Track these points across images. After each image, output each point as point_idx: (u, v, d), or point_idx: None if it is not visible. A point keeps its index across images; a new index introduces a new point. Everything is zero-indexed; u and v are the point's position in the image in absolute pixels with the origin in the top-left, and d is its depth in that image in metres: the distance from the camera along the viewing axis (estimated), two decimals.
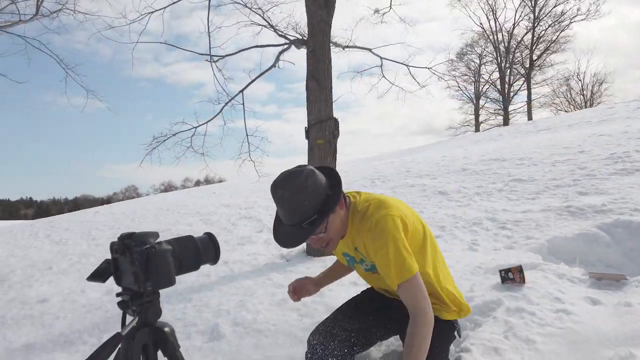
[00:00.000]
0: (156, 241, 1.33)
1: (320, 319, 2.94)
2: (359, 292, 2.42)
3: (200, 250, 1.41)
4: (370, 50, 6.53)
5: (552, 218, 4.98)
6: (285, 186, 1.73)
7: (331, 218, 1.79)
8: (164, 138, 7.22)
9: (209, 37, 6.30)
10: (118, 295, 1.28)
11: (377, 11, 7.29)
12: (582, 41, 42.72)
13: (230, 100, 6.80)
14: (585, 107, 33.56)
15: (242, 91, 6.87)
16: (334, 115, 5.20)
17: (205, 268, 4.76)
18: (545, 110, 35.24)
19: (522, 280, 3.20)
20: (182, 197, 11.99)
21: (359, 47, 6.55)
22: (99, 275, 1.30)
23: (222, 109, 6.95)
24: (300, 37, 6.41)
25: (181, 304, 3.54)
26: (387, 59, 6.68)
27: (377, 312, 2.16)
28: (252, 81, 6.74)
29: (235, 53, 6.43)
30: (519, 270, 3.23)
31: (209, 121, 7.14)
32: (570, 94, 34.89)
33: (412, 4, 7.50)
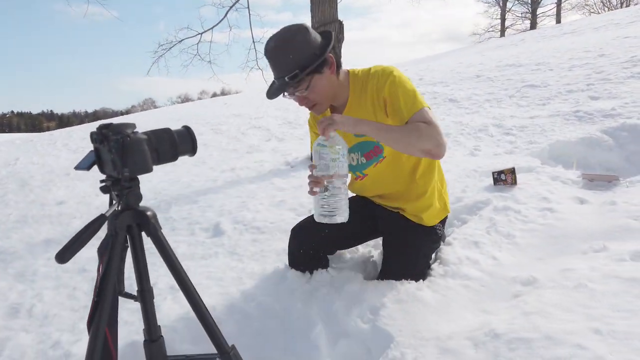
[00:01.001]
0: (133, 131, 1.40)
1: None
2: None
3: (176, 142, 1.49)
4: None
5: (559, 123, 4.93)
6: (275, 38, 1.75)
7: (316, 78, 1.77)
8: (169, 45, 7.18)
9: None
10: (102, 182, 1.39)
11: None
12: None
13: (234, 4, 6.60)
14: (621, 8, 31.33)
15: None
16: (339, 18, 5.03)
17: (212, 174, 4.95)
18: (577, 13, 33.05)
19: (514, 182, 3.27)
20: (194, 108, 12.05)
21: None
22: (83, 163, 1.40)
23: (226, 14, 6.78)
24: None
25: (187, 205, 3.74)
26: None
27: (364, 212, 2.26)
28: None
29: None
30: (511, 171, 3.29)
31: (213, 27, 7.00)
32: None
33: None
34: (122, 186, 1.34)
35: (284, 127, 7.42)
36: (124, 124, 1.37)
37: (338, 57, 1.88)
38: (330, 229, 2.20)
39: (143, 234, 1.42)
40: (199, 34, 6.92)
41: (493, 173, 3.34)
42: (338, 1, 4.93)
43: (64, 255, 1.27)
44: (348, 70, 1.95)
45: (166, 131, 1.48)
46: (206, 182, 4.59)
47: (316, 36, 1.79)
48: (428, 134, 1.67)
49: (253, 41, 6.81)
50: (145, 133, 1.42)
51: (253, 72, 7.14)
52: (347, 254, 2.59)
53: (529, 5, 32.60)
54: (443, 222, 2.27)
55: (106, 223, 1.35)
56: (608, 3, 32.69)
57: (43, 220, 3.85)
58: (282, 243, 2.69)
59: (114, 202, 1.37)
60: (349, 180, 2.06)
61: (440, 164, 2.19)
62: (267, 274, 2.37)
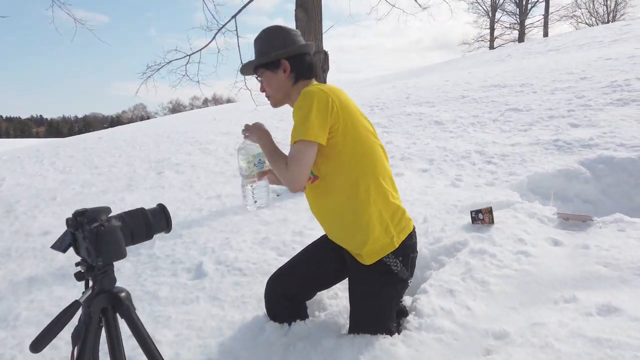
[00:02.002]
0: (108, 216, 1.45)
1: None
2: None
3: (151, 222, 1.54)
4: None
5: (539, 152, 5.04)
6: (263, 29, 2.01)
7: (267, 74, 1.98)
8: (157, 67, 7.20)
9: None
10: (77, 264, 1.43)
11: None
12: None
13: (221, 28, 6.66)
14: (608, 20, 31.90)
15: (234, 17, 6.70)
16: (324, 48, 5.11)
17: (198, 201, 4.98)
18: (565, 23, 33.55)
19: (491, 221, 3.35)
20: (183, 122, 12.06)
21: None
22: (59, 244, 1.44)
23: (214, 37, 6.83)
24: None
25: (172, 240, 3.77)
26: None
27: (328, 257, 2.28)
28: (244, 6, 6.54)
29: None
30: (489, 211, 3.36)
31: (201, 49, 7.05)
32: (593, 3, 32.97)
33: None
34: (96, 273, 1.38)
35: None
36: (99, 209, 1.41)
37: (307, 72, 2.00)
38: (308, 268, 2.26)
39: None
40: (187, 55, 6.96)
41: (471, 212, 3.42)
42: (323, 31, 5.01)
43: (38, 345, 1.31)
44: (310, 84, 2.01)
45: (141, 212, 1.53)
46: (192, 211, 4.62)
47: (287, 40, 1.95)
48: (282, 171, 1.83)
49: (241, 62, 6.85)
50: (119, 217, 1.47)
51: (241, 92, 7.12)
52: (327, 299, 2.64)
53: (517, 17, 33.07)
54: (398, 255, 2.00)
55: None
56: (595, 14, 33.24)
57: (27, 253, 3.86)
58: (263, 287, 2.73)
59: (89, 287, 1.40)
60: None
61: (386, 191, 1.96)
62: (246, 323, 2.42)
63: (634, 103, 5.79)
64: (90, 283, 1.43)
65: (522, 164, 4.81)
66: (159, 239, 3.87)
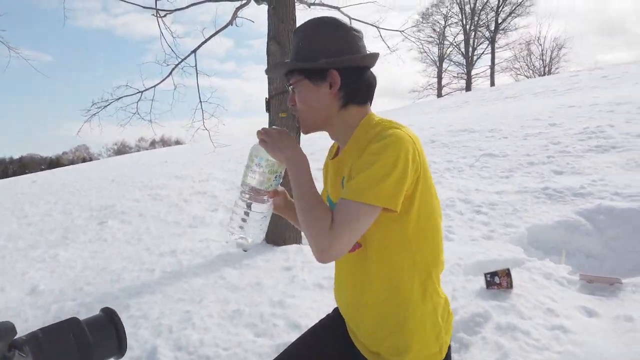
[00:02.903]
0: (9, 341, 0.78)
1: (280, 339, 2.49)
2: (323, 305, 1.87)
3: (89, 343, 0.87)
4: (338, 8, 5.90)
5: (529, 202, 4.67)
6: (311, 19, 1.32)
7: (305, 84, 1.29)
8: (105, 103, 6.43)
9: None
10: None
11: None
12: (543, 5, 42.79)
13: (180, 62, 6.06)
14: (544, 72, 33.92)
15: (194, 52, 6.13)
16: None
17: (149, 258, 4.21)
18: (506, 74, 35.41)
19: (510, 285, 2.84)
20: (130, 164, 11.15)
21: (326, 5, 5.90)
22: None
23: (171, 72, 6.21)
24: None
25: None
26: (356, 20, 6.07)
27: (336, 346, 1.62)
28: (205, 41, 6.00)
29: (186, 7, 5.65)
30: (507, 273, 2.86)
31: (156, 85, 6.38)
32: (530, 58, 35.12)
33: None
34: None
35: (232, 193, 6.79)
36: None
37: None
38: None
39: None
40: (139, 92, 6.27)
41: (485, 275, 2.90)
42: None
43: None
44: (369, 114, 1.37)
45: (71, 327, 0.86)
46: (140, 272, 3.84)
47: (345, 43, 1.26)
48: (319, 231, 1.15)
49: (200, 101, 6.25)
50: (31, 341, 0.80)
51: (198, 132, 6.48)
52: None
53: (464, 67, 34.59)
54: None
55: None
56: (532, 66, 35.36)
57: None
58: None
59: None
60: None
61: (439, 281, 1.35)
62: None
63: (614, 150, 5.63)
64: None
65: (515, 214, 4.41)
66: (100, 308, 3.08)
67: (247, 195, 1.29)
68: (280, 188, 1.40)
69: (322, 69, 1.24)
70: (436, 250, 1.31)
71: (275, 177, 1.29)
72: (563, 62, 34.61)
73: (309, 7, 6.16)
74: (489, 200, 4.89)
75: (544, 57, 35.14)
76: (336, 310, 1.56)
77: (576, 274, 3.14)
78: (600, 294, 2.84)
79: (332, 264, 1.42)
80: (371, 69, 1.30)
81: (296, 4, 4.85)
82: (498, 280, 2.85)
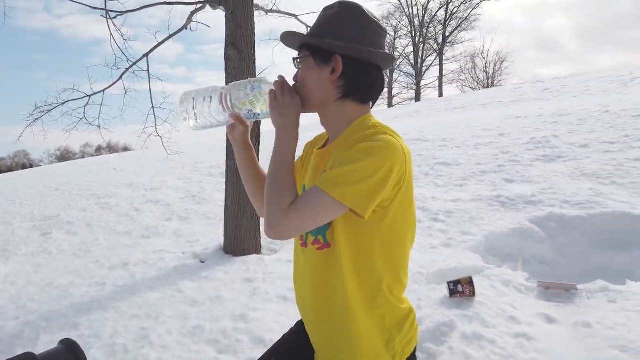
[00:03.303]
0: None
1: (244, 355, 2.39)
2: (287, 318, 1.70)
3: None
4: (296, 16, 5.86)
5: (484, 209, 4.79)
6: (337, 5, 1.23)
7: (309, 64, 1.23)
8: (49, 108, 6.05)
9: None
10: None
11: None
12: (486, 21, 44.85)
13: (131, 66, 5.80)
14: (488, 84, 35.41)
15: (146, 55, 5.90)
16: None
17: (99, 272, 3.97)
18: (453, 85, 36.75)
19: (472, 294, 2.87)
20: (76, 171, 10.60)
21: (284, 13, 5.84)
22: None
23: (121, 76, 5.92)
24: None
25: (63, 331, 2.79)
26: (280, 12, 6.01)
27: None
28: (158, 45, 5.79)
29: (137, 10, 5.43)
30: (469, 282, 2.89)
31: (105, 89, 6.08)
32: (475, 70, 36.60)
33: None
34: None
35: (187, 202, 6.57)
36: None
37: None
38: None
39: None
40: (87, 96, 5.95)
41: (449, 284, 2.92)
42: (257, 74, 4.44)
43: None
44: (368, 115, 1.26)
45: None
46: (90, 287, 3.61)
47: (363, 33, 1.20)
48: (277, 206, 1.12)
49: (152, 106, 6.00)
50: None
51: (151, 139, 6.23)
52: None
53: (414, 77, 35.53)
54: None
55: None
56: (477, 79, 36.87)
57: None
58: None
59: None
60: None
61: (404, 288, 1.30)
62: None
63: (560, 159, 5.90)
64: None
65: (472, 222, 4.51)
66: (44, 328, 2.86)
67: (221, 94, 1.25)
68: (246, 124, 1.34)
69: (328, 51, 1.18)
70: (397, 266, 1.26)
71: (249, 112, 1.25)
72: (505, 74, 36.33)
73: (266, 14, 6.09)
74: (445, 208, 4.98)
75: (488, 69, 36.74)
76: (299, 323, 1.49)
77: (533, 281, 3.23)
78: (557, 300, 2.93)
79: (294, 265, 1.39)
80: (383, 71, 1.26)
81: (254, 10, 4.77)
82: (461, 289, 2.88)
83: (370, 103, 1.27)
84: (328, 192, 1.08)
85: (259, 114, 1.25)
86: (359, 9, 1.21)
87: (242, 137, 1.37)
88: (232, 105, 1.25)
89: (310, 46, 1.22)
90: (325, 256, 1.25)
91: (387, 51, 1.23)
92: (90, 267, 4.15)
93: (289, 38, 1.27)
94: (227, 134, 1.41)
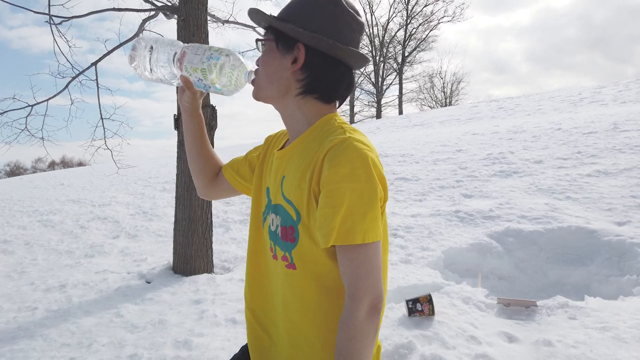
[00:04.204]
0: None
1: None
2: (235, 345, 1.47)
3: None
4: (253, 28, 5.71)
5: (443, 224, 4.73)
6: None
7: (271, 49, 1.08)
8: None
9: None
10: None
11: None
12: (443, 42, 46.28)
13: (78, 75, 5.48)
14: (446, 103, 36.43)
15: (94, 64, 5.60)
16: (211, 102, 4.34)
17: (32, 295, 3.64)
18: (412, 104, 37.60)
19: (432, 312, 2.75)
20: (20, 187, 9.98)
21: (241, 24, 5.69)
22: None
23: (67, 85, 5.60)
24: (170, 5, 5.38)
25: None
26: (237, 23, 5.89)
27: None
28: (108, 53, 5.51)
29: (84, 15, 5.15)
30: (428, 300, 2.77)
31: (49, 99, 5.72)
32: (433, 90, 37.61)
33: None
34: None
35: (137, 218, 6.23)
36: None
37: (328, 89, 1.08)
38: None
39: None
40: (29, 105, 5.58)
41: (407, 302, 2.79)
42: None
43: None
44: (332, 113, 1.11)
45: None
46: (19, 312, 3.27)
47: (333, 23, 1.05)
48: (364, 330, 0.92)
49: (101, 117, 5.68)
50: None
51: (99, 152, 5.88)
52: None
53: (375, 95, 36.07)
54: None
55: None
56: (435, 98, 37.88)
57: None
58: None
59: None
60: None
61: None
62: None
63: (516, 175, 5.95)
64: None
65: (431, 237, 4.43)
66: None
67: (180, 53, 1.13)
68: (194, 91, 1.19)
69: (291, 38, 1.03)
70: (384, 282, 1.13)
71: (199, 80, 1.11)
72: (462, 94, 37.55)
73: (223, 25, 5.93)
74: (405, 224, 4.90)
75: (445, 89, 37.87)
76: (244, 348, 1.30)
77: (493, 298, 3.14)
78: (518, 317, 2.84)
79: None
80: (353, 70, 1.10)
81: (209, 20, 4.61)
82: (420, 307, 2.75)
83: (337, 103, 1.12)
84: (350, 244, 0.93)
85: (208, 87, 1.11)
86: (343, 1, 1.05)
87: (190, 104, 1.23)
88: (184, 68, 1.12)
89: (275, 30, 1.07)
90: (293, 276, 1.08)
91: (360, 49, 1.08)
92: (23, 290, 3.79)
93: (254, 16, 1.12)
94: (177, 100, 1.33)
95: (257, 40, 1.12)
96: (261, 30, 1.16)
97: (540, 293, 3.60)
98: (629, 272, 3.47)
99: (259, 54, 1.13)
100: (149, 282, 3.82)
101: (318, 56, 1.04)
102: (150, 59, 1.18)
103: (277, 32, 1.06)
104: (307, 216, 1.01)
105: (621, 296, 3.14)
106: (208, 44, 4.47)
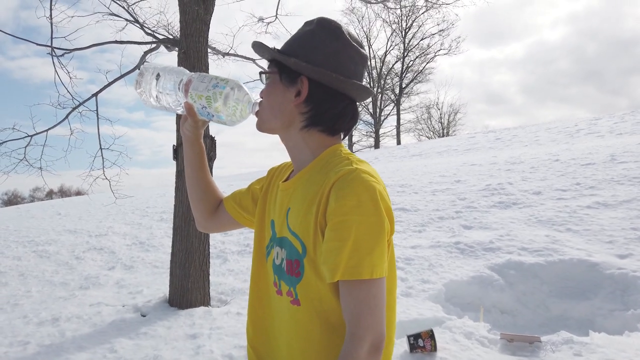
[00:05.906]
0: None
1: None
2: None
3: None
4: (253, 60, 5.80)
5: (444, 256, 4.69)
6: (316, 22, 1.09)
7: (274, 82, 1.08)
8: None
9: (51, 24, 5.02)
10: None
11: (261, 19, 6.60)
12: (439, 74, 47.01)
13: (78, 106, 5.52)
14: (443, 134, 36.73)
15: (95, 95, 5.65)
16: (210, 133, 4.36)
17: (24, 329, 3.55)
18: (410, 134, 37.89)
19: (434, 348, 2.69)
20: (16, 216, 9.91)
21: (241, 57, 5.79)
22: None
23: (67, 116, 5.63)
24: (171, 38, 5.47)
25: None
26: (238, 56, 5.97)
27: None
28: (108, 85, 5.57)
29: (86, 48, 5.24)
30: (430, 335, 2.71)
31: (48, 130, 5.74)
32: (431, 121, 38.00)
33: (299, 16, 6.95)
34: None
35: (134, 249, 6.17)
36: None
37: (331, 123, 1.07)
38: None
39: None
40: (29, 136, 5.59)
41: (409, 338, 2.73)
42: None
43: None
44: (337, 145, 1.11)
45: None
46: (10, 346, 3.19)
47: (337, 57, 1.05)
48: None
49: (100, 148, 5.68)
50: None
51: (97, 182, 5.86)
52: None
53: (373, 126, 36.42)
54: None
55: None
56: (433, 128, 38.25)
57: None
58: None
59: None
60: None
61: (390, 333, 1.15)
62: None
63: (515, 206, 5.94)
64: None
65: (431, 270, 4.37)
66: None
67: (186, 80, 1.13)
68: (196, 119, 1.17)
69: (295, 71, 1.03)
70: (394, 322, 1.10)
71: (203, 107, 1.10)
72: (459, 125, 37.88)
73: (223, 57, 6.02)
74: (404, 255, 4.85)
75: (443, 120, 38.26)
76: None
77: (496, 333, 3.08)
78: (522, 353, 2.78)
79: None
80: (357, 102, 1.10)
81: (209, 53, 4.68)
82: (422, 343, 2.69)
83: (342, 134, 1.12)
84: (354, 279, 0.91)
85: (212, 115, 1.09)
86: (337, 29, 1.07)
87: (192, 132, 1.21)
88: (189, 95, 1.11)
89: (278, 62, 1.08)
90: (298, 313, 1.04)
91: (363, 82, 1.08)
92: (15, 323, 3.71)
93: (257, 49, 1.14)
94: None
95: (260, 72, 1.12)
96: (262, 62, 1.19)
97: (544, 327, 3.54)
98: (633, 307, 3.41)
99: (260, 85, 1.14)
100: (144, 316, 3.74)
101: (321, 89, 1.04)
102: (156, 85, 1.18)
103: (280, 65, 1.07)
104: (313, 249, 0.99)
105: (626, 331, 3.08)
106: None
